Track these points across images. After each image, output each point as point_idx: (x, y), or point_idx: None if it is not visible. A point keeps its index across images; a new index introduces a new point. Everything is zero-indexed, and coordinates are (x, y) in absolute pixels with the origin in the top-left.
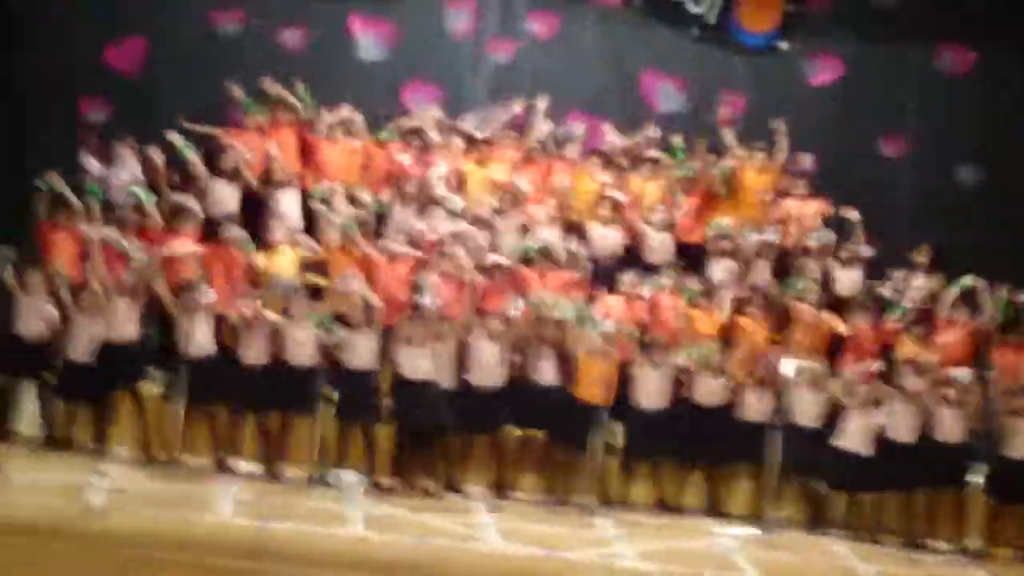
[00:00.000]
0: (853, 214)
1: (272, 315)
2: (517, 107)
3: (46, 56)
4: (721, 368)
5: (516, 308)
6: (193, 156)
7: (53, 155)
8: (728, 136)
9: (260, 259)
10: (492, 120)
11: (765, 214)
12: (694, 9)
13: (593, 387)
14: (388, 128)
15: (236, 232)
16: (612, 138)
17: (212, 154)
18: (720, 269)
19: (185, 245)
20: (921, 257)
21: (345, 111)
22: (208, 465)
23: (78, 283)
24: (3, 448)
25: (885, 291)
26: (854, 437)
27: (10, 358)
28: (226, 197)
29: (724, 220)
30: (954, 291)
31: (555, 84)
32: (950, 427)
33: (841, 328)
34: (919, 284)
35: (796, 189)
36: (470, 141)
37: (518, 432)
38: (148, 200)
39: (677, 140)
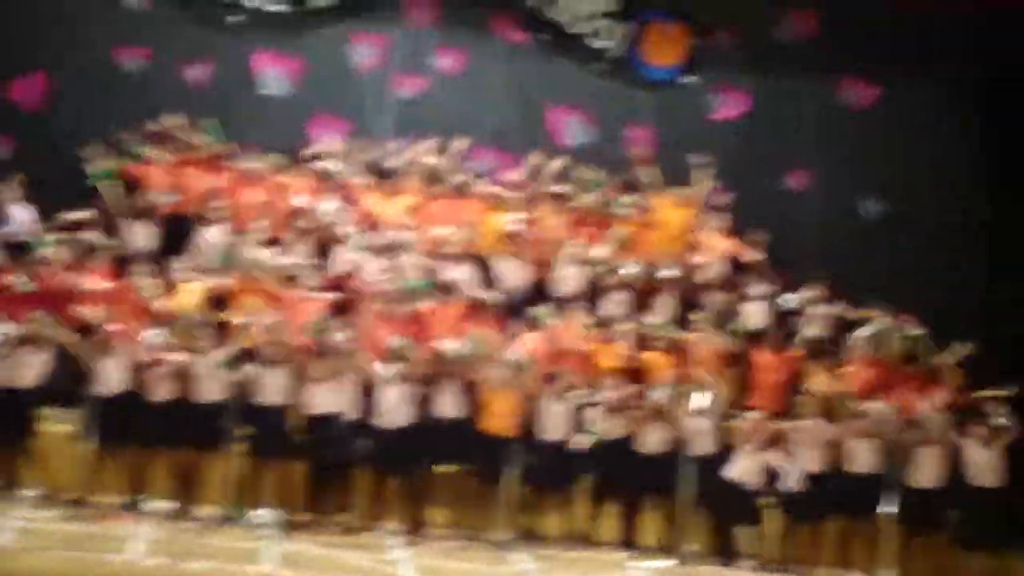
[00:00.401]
0: (756, 255)
1: (175, 355)
2: (425, 145)
3: None
4: (624, 402)
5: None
6: (111, 190)
7: None
8: (644, 173)
9: (166, 296)
10: (398, 155)
11: (683, 249)
12: (599, 44)
13: (499, 419)
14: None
15: (142, 270)
16: (513, 174)
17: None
18: (614, 303)
19: (94, 282)
20: (822, 289)
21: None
22: (119, 504)
23: None
24: None
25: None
26: (746, 472)
27: None
28: (141, 234)
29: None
30: (866, 330)
31: (462, 119)
32: (862, 458)
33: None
34: (822, 313)
35: (712, 223)
36: (380, 175)
37: (430, 468)
38: (47, 246)
39: (594, 174)
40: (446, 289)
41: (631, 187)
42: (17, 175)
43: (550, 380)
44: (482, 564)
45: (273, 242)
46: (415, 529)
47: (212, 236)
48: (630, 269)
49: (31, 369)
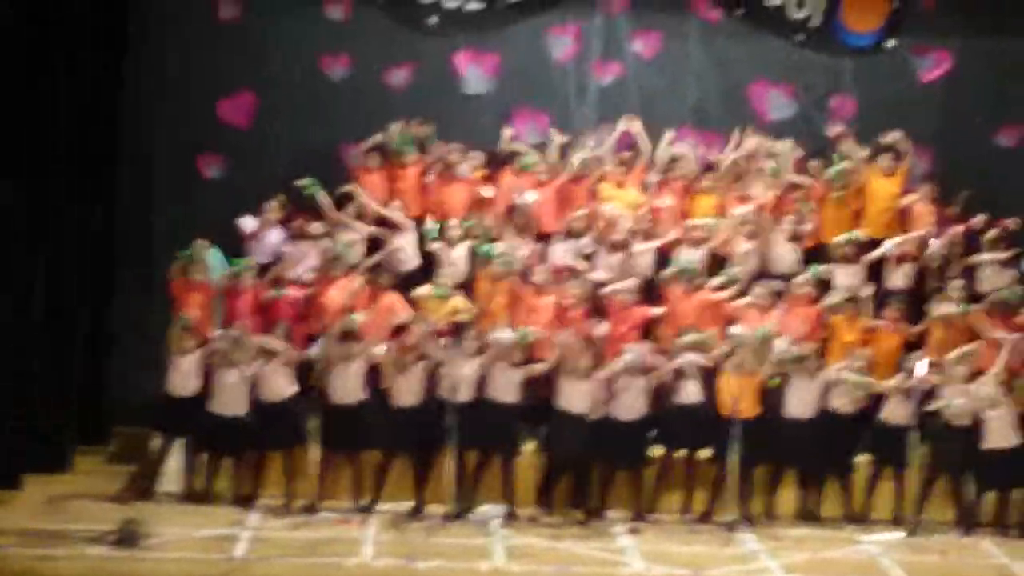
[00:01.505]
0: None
1: (434, 349)
2: (623, 125)
3: (163, 117)
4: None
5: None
6: (324, 199)
7: (180, 216)
8: (847, 145)
9: (433, 303)
10: (607, 143)
11: (895, 219)
12: (796, 14)
13: (740, 402)
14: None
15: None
16: (719, 153)
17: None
18: (846, 275)
19: (343, 290)
20: None
21: (454, 152)
22: (348, 508)
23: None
24: (147, 506)
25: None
26: (999, 433)
27: (165, 417)
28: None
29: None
30: None
31: (663, 102)
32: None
33: (984, 326)
34: None
35: (917, 192)
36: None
37: (660, 452)
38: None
39: (841, 152)
40: (692, 274)
41: (831, 160)
42: (277, 197)
43: (796, 361)
44: (709, 547)
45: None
46: (641, 516)
47: (452, 246)
48: (857, 239)
49: (283, 382)
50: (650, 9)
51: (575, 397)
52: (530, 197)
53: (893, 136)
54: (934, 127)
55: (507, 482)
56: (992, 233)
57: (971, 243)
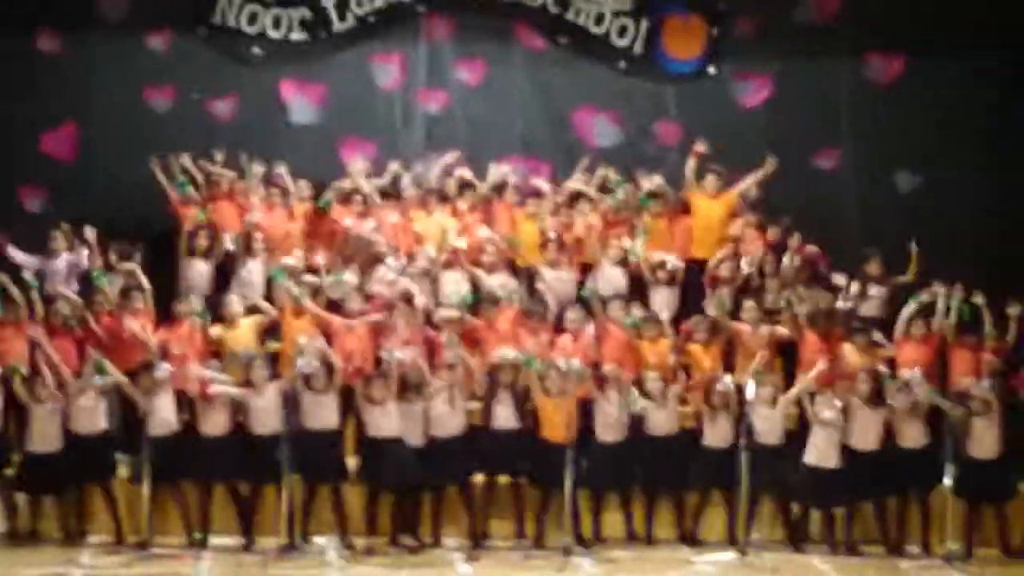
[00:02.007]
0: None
1: (230, 388)
2: (450, 157)
3: None
4: (680, 398)
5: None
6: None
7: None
8: (688, 166)
9: (217, 331)
10: (431, 170)
11: (721, 241)
12: (619, 42)
13: (556, 427)
14: (325, 197)
15: (193, 306)
16: (540, 182)
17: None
18: (659, 298)
19: (141, 324)
20: (873, 268)
21: (280, 180)
22: (180, 544)
23: (32, 375)
24: None
25: (839, 303)
26: (822, 452)
27: None
28: (200, 274)
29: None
30: (912, 306)
31: (489, 129)
32: (914, 433)
33: (783, 332)
34: (875, 294)
35: (747, 216)
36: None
37: (485, 479)
38: (108, 283)
39: (610, 173)
40: (493, 300)
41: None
42: (65, 224)
43: (601, 382)
44: (544, 572)
45: (312, 269)
46: (477, 543)
47: (254, 268)
48: (675, 264)
49: (95, 416)
50: (474, 37)
51: (382, 422)
52: (368, 226)
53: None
54: (756, 151)
55: (339, 512)
56: (797, 260)
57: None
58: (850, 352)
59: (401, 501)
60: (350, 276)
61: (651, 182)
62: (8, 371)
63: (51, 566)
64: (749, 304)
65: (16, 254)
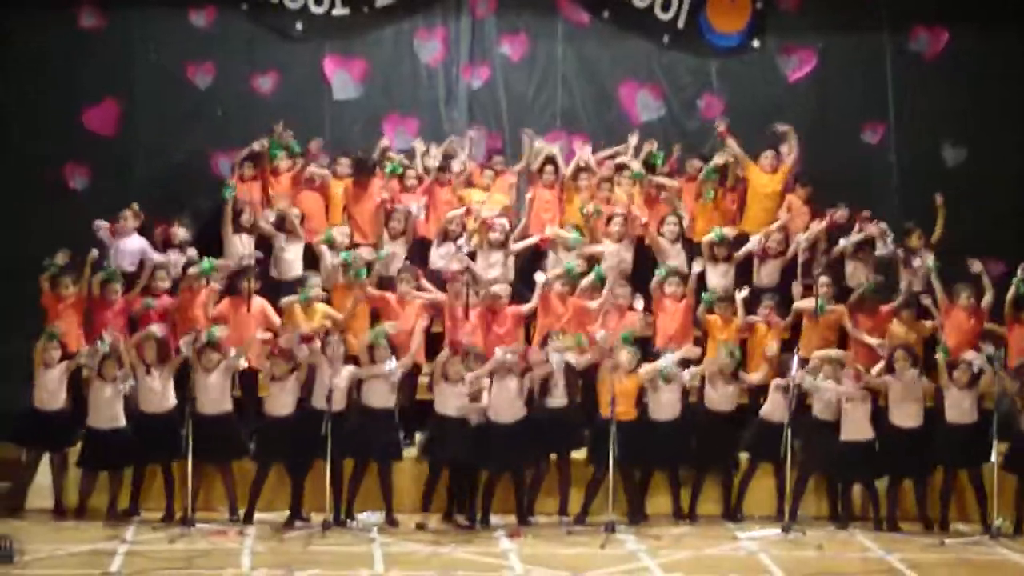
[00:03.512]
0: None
1: (321, 358)
2: (475, 134)
3: (27, 125)
4: (734, 373)
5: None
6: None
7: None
8: (731, 144)
9: (294, 310)
10: (478, 147)
11: (773, 215)
12: (663, 16)
13: (617, 405)
14: (393, 163)
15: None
16: (585, 153)
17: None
18: (717, 274)
19: (203, 303)
20: (914, 240)
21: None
22: (224, 520)
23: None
24: (16, 523)
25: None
26: (854, 426)
27: (32, 432)
28: (242, 248)
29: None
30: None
31: (532, 105)
32: (966, 409)
33: (847, 322)
34: (918, 266)
35: (797, 190)
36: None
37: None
38: (210, 270)
39: (653, 148)
40: (574, 277)
41: (706, 158)
42: (131, 205)
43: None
44: (588, 548)
45: (355, 247)
46: (522, 519)
47: (291, 247)
48: (724, 237)
49: (164, 395)
50: (517, 12)
51: (451, 401)
52: (415, 206)
53: (782, 127)
54: (802, 125)
55: (386, 489)
56: (855, 234)
57: (836, 239)
58: (896, 327)
59: (459, 479)
60: (392, 249)
61: (720, 157)
62: (101, 345)
63: (96, 542)
64: (824, 280)
65: (105, 236)
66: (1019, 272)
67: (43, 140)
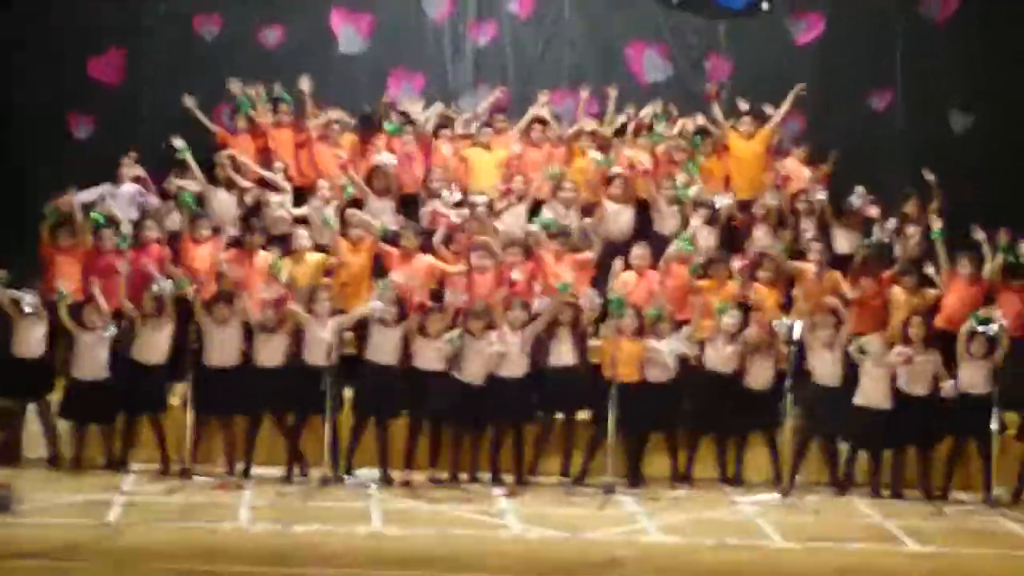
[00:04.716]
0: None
1: (299, 310)
2: (501, 92)
3: (32, 74)
4: (734, 335)
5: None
6: (192, 162)
7: (48, 173)
8: (714, 109)
9: (286, 264)
10: (483, 104)
11: (761, 178)
12: None
13: (619, 366)
14: (394, 123)
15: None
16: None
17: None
18: (701, 236)
19: (211, 253)
20: (911, 207)
21: (334, 112)
22: (222, 473)
23: (82, 303)
24: (13, 472)
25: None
26: (870, 393)
27: (10, 381)
28: (226, 204)
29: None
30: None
31: (538, 63)
32: (979, 378)
33: (845, 288)
34: (911, 233)
35: (795, 151)
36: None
37: (540, 416)
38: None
39: (655, 109)
40: (561, 232)
41: (711, 120)
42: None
43: (655, 320)
44: (587, 509)
45: (357, 202)
46: (520, 479)
47: (314, 203)
48: (726, 201)
49: (158, 347)
50: None
51: (430, 355)
52: (388, 159)
53: (745, 104)
54: (809, 89)
55: (383, 446)
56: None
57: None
58: (899, 293)
59: (458, 437)
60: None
61: (694, 121)
62: (58, 297)
63: (93, 492)
64: (818, 247)
65: (81, 195)
66: (1000, 238)
67: (47, 88)
